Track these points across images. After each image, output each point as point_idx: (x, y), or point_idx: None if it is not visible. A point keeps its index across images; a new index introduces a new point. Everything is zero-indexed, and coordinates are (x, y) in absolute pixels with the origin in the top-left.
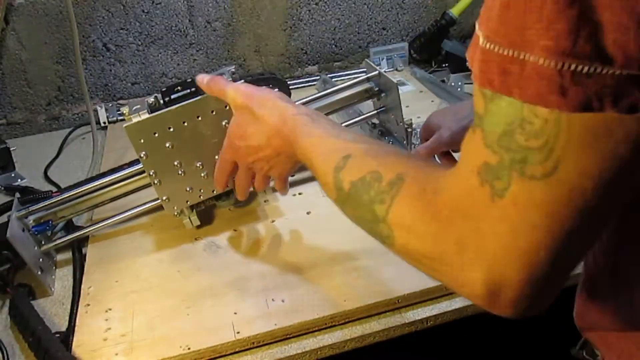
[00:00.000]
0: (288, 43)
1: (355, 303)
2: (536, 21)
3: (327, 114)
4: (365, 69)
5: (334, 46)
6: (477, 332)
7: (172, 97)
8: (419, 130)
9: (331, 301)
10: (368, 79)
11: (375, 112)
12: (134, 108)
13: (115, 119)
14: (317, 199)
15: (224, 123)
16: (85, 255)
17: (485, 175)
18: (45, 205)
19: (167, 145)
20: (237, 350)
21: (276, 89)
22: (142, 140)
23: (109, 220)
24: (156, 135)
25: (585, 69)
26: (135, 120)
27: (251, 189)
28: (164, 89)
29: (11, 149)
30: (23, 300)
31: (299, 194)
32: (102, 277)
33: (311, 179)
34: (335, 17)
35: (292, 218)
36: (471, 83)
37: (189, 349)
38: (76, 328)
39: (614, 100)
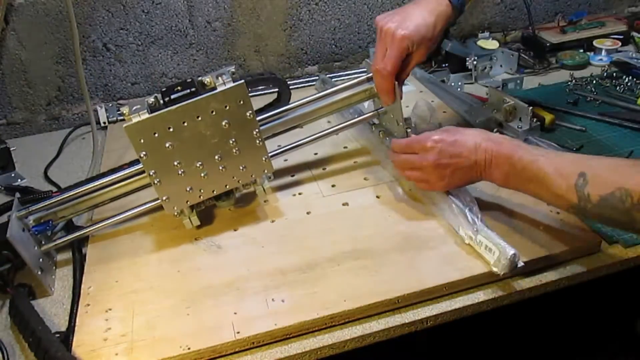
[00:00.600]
0: (288, 43)
1: (355, 303)
2: None
3: (327, 114)
4: (365, 69)
5: (334, 46)
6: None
7: (172, 97)
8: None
9: (331, 301)
10: (368, 79)
11: (375, 112)
12: (134, 108)
13: (115, 119)
14: (317, 199)
15: (223, 123)
16: (85, 255)
17: None
18: (46, 205)
19: (167, 145)
20: (237, 350)
21: (276, 89)
22: (142, 140)
23: (109, 220)
24: (156, 135)
25: None
26: (135, 120)
27: (250, 189)
28: (164, 89)
29: (11, 149)
30: (23, 300)
31: (299, 194)
32: (102, 277)
33: (311, 179)
34: (335, 17)
35: (292, 218)
36: (471, 83)
37: (189, 349)
38: (76, 328)
39: None
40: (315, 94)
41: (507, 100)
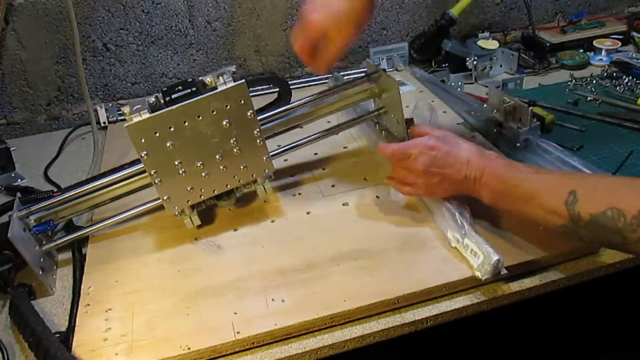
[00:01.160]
0: (288, 43)
1: (355, 303)
2: None
3: (327, 114)
4: (365, 69)
5: None
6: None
7: (173, 96)
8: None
9: (331, 301)
10: (368, 79)
11: (375, 112)
12: (135, 108)
13: (115, 119)
14: (317, 199)
15: (224, 123)
16: (85, 255)
17: None
18: (46, 205)
19: (168, 144)
20: (237, 350)
21: (276, 88)
22: (143, 140)
23: (109, 220)
24: (157, 134)
25: None
26: (136, 119)
27: (250, 189)
28: (164, 89)
29: (11, 149)
30: (23, 300)
31: (299, 194)
32: (102, 277)
33: (311, 179)
34: None
35: (292, 218)
36: (471, 83)
37: (189, 349)
38: (76, 328)
39: None
40: (315, 94)
41: (507, 100)
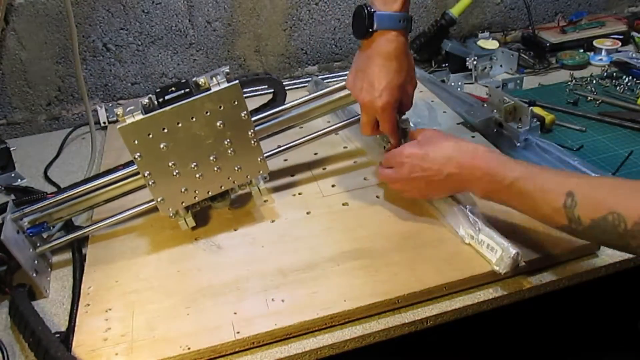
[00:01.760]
0: (288, 43)
1: (355, 303)
2: None
3: (322, 114)
4: None
5: (334, 46)
6: (477, 332)
7: (167, 97)
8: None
9: (331, 301)
10: None
11: None
12: (128, 109)
13: (115, 119)
14: (317, 199)
15: (218, 124)
16: (85, 255)
17: None
18: (40, 207)
19: (162, 146)
20: (237, 350)
21: (272, 90)
22: (136, 142)
23: (109, 220)
24: (150, 136)
25: None
26: (129, 121)
27: (245, 190)
28: (158, 90)
29: (11, 149)
30: (23, 301)
31: (299, 194)
32: (102, 277)
33: (311, 179)
34: (335, 17)
35: (292, 218)
36: (471, 83)
37: (189, 349)
38: (76, 328)
39: None
40: (315, 94)
41: (507, 100)
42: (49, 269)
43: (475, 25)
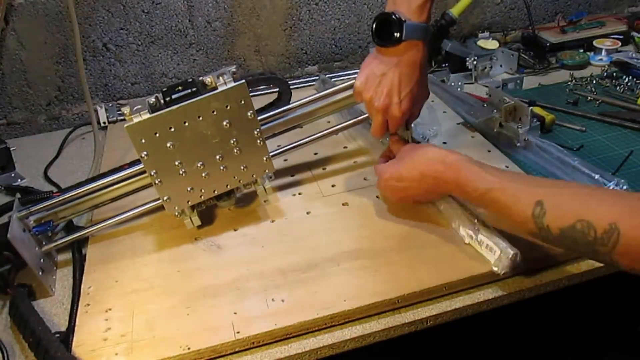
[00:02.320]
0: (288, 43)
1: (355, 303)
2: None
3: (327, 114)
4: None
5: (334, 46)
6: (477, 332)
7: (173, 97)
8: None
9: (331, 301)
10: None
11: None
12: (135, 108)
13: (115, 119)
14: (317, 199)
15: (224, 123)
16: (85, 255)
17: None
18: (46, 206)
19: (168, 145)
20: (237, 350)
21: (277, 89)
22: (143, 140)
23: (109, 221)
24: (157, 135)
25: None
26: (136, 120)
27: (250, 189)
28: (165, 89)
29: (11, 149)
30: (23, 301)
31: (299, 194)
32: (102, 277)
33: (311, 179)
34: (335, 17)
35: (292, 218)
36: (471, 83)
37: (189, 349)
38: (76, 328)
39: None
40: (315, 94)
41: (507, 100)
42: (55, 268)
43: (475, 25)
